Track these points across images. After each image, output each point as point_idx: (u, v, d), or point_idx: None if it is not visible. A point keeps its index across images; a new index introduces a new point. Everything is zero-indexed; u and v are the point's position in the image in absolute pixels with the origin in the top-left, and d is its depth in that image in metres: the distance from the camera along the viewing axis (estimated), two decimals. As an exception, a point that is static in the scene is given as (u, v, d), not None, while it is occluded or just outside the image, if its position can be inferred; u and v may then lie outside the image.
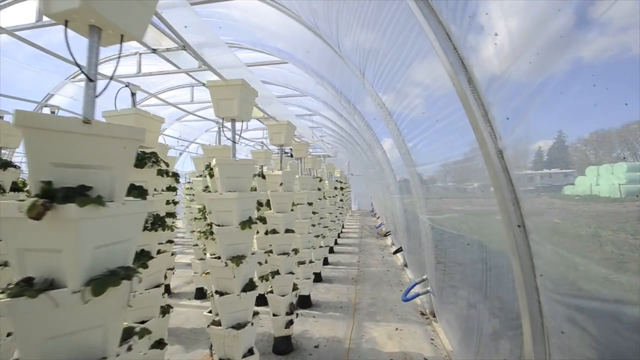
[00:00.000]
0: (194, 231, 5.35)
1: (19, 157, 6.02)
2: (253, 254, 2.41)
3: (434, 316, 4.19)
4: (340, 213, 11.17)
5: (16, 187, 2.66)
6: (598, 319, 1.23)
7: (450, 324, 3.28)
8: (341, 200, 11.11)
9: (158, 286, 2.33)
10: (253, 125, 9.16)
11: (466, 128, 1.78)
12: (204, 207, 3.69)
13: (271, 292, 3.47)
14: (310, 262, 4.93)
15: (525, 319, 1.62)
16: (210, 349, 2.86)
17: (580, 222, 1.25)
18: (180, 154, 11.83)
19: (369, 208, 22.00)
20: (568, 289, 1.35)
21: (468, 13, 1.53)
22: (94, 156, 0.91)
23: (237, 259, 2.17)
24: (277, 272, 3.45)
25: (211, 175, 2.68)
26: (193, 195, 6.83)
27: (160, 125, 2.34)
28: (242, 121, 2.32)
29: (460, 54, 1.62)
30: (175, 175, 5.18)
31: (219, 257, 2.33)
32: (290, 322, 3.42)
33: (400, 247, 7.23)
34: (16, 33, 3.43)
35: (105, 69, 5.48)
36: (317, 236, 5.91)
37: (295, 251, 3.70)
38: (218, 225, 2.25)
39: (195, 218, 4.78)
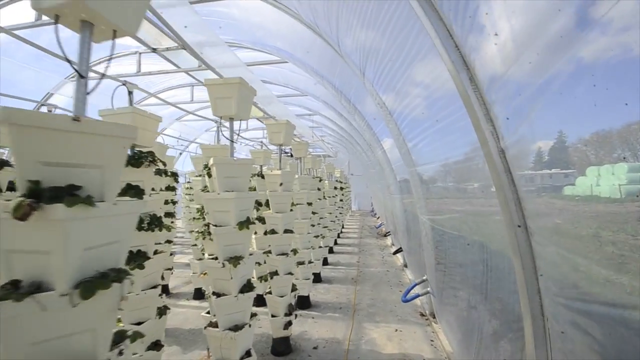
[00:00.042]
0: (192, 231, 5.33)
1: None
2: (251, 254, 2.39)
3: (434, 317, 4.16)
4: (340, 213, 11.15)
5: (13, 187, 2.64)
6: (601, 322, 1.21)
7: (450, 325, 3.26)
8: (341, 200, 11.08)
9: (155, 287, 2.31)
10: (253, 125, 9.14)
11: (467, 128, 1.76)
12: (203, 207, 3.67)
13: (270, 292, 3.44)
14: (310, 262, 4.90)
15: (527, 321, 1.60)
16: (208, 350, 2.84)
17: (582, 222, 1.24)
18: (180, 153, 11.81)
19: (369, 208, 21.98)
20: (571, 291, 1.33)
21: (469, 13, 1.51)
22: (83, 155, 0.88)
23: (235, 260, 2.14)
24: (275, 273, 3.43)
25: (209, 175, 2.66)
26: (192, 195, 6.80)
27: (157, 124, 2.32)
28: (241, 120, 2.29)
29: (461, 51, 1.60)
30: (174, 175, 5.17)
31: (216, 258, 2.30)
32: (289, 323, 3.39)
33: (400, 248, 7.21)
34: (16, 32, 3.41)
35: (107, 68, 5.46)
36: (317, 236, 5.89)
37: (294, 252, 3.67)
38: (215, 226, 2.22)
39: (194, 218, 4.76)
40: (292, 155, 5.85)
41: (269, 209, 3.67)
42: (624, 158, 0.98)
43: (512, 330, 1.89)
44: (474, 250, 2.40)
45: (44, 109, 5.05)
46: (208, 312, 2.79)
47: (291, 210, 3.67)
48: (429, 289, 3.92)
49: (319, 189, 6.23)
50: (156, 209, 2.32)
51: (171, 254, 5.25)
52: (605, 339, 1.18)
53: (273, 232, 3.52)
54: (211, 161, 2.18)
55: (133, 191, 2.01)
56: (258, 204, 4.05)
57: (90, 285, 0.84)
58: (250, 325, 2.29)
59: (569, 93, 1.10)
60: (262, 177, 4.12)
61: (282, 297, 3.37)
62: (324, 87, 5.37)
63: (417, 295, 4.03)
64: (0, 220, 0.79)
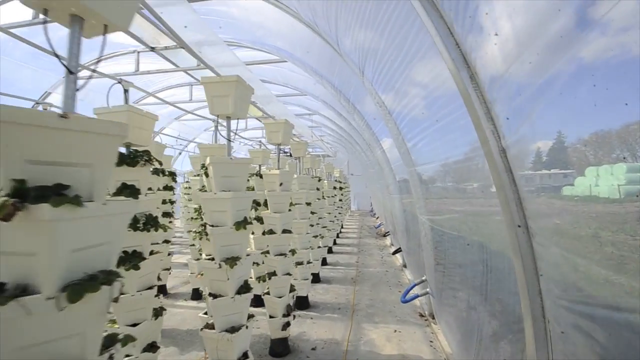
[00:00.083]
0: (190, 231, 5.30)
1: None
2: (248, 255, 2.36)
3: (433, 318, 4.14)
4: (340, 213, 11.12)
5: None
6: (604, 324, 1.19)
7: (449, 326, 3.23)
8: (340, 200, 11.06)
9: (151, 288, 2.28)
10: (252, 124, 9.11)
11: (467, 127, 1.74)
12: (200, 206, 3.64)
13: (268, 293, 3.41)
14: (309, 262, 4.87)
15: (528, 323, 1.58)
16: (206, 351, 2.81)
17: (583, 223, 1.23)
18: (180, 153, 11.77)
19: (369, 208, 21.96)
20: (573, 293, 1.31)
21: (469, 13, 1.49)
22: (72, 153, 0.85)
23: (232, 261, 2.11)
24: (273, 273, 3.40)
25: (207, 175, 2.63)
26: (191, 194, 6.77)
27: (153, 123, 2.29)
28: (238, 119, 2.27)
29: (462, 49, 1.57)
30: (172, 175, 5.14)
31: (213, 259, 2.27)
32: (287, 324, 3.36)
33: (400, 248, 7.19)
34: (13, 31, 3.37)
35: (104, 67, 5.43)
36: (316, 236, 5.86)
37: (293, 252, 3.64)
38: (212, 226, 2.19)
39: (192, 218, 4.73)
40: (291, 155, 5.82)
41: (268, 209, 3.64)
42: (624, 158, 0.98)
43: (512, 331, 1.87)
44: (473, 251, 2.38)
45: (39, 108, 5.02)
46: (206, 313, 2.76)
47: (289, 210, 3.64)
48: (428, 289, 3.89)
49: (318, 189, 6.21)
50: (152, 208, 2.29)
51: (169, 254, 5.22)
52: (608, 342, 1.16)
53: (271, 232, 3.49)
54: (208, 160, 2.15)
55: (128, 191, 1.99)
56: (257, 203, 4.02)
57: (77, 288, 0.81)
58: (247, 327, 2.26)
59: (569, 93, 1.10)
60: (261, 176, 4.09)
61: (280, 297, 3.34)
62: (323, 86, 5.34)
63: (417, 296, 4.01)
64: (-16, 221, 0.76)
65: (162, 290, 5.16)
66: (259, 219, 3.76)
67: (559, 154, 1.24)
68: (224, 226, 2.19)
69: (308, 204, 4.80)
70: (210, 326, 2.26)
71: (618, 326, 1.14)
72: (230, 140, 2.26)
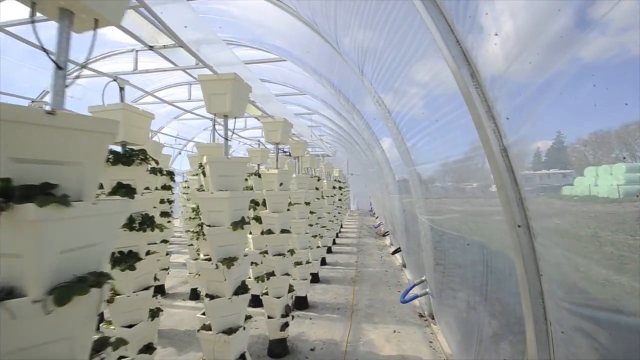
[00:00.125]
0: (189, 231, 5.27)
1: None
2: (245, 255, 2.33)
3: (433, 318, 4.12)
4: (339, 213, 11.10)
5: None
6: (607, 326, 1.17)
7: (449, 326, 3.21)
8: (340, 199, 11.04)
9: (147, 288, 2.25)
10: (251, 123, 9.08)
11: (467, 126, 1.73)
12: (198, 206, 3.61)
13: (266, 293, 3.39)
14: (308, 262, 4.85)
15: (529, 324, 1.55)
16: (203, 352, 2.78)
17: (584, 223, 1.22)
18: (180, 152, 11.74)
19: (368, 208, 21.94)
20: (576, 294, 1.28)
21: (469, 13, 1.48)
22: (59, 151, 0.82)
23: (229, 261, 2.09)
24: (272, 274, 3.37)
25: (204, 174, 2.60)
26: (189, 194, 6.74)
27: (149, 122, 2.26)
28: (235, 117, 2.24)
29: (462, 47, 1.54)
30: (170, 174, 5.11)
31: (210, 259, 2.24)
32: (286, 325, 3.34)
33: (399, 248, 7.16)
34: (11, 29, 3.34)
35: (102, 66, 5.40)
36: (315, 236, 5.83)
37: (291, 252, 3.61)
38: (209, 226, 2.16)
39: (190, 217, 4.70)
40: (290, 155, 5.79)
41: (266, 209, 3.61)
42: (624, 158, 0.98)
43: (512, 332, 1.85)
44: (473, 251, 2.36)
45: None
46: (204, 314, 2.74)
47: (288, 210, 3.62)
48: (427, 289, 3.87)
49: (317, 189, 6.18)
50: (149, 208, 2.26)
51: (167, 254, 5.19)
52: (612, 344, 1.14)
53: (270, 232, 3.46)
54: (204, 159, 2.12)
55: (124, 190, 1.96)
56: (255, 203, 3.99)
57: (65, 291, 0.78)
58: (244, 328, 2.23)
59: (569, 93, 1.09)
60: (259, 176, 4.06)
61: (278, 298, 3.31)
62: (323, 85, 5.31)
63: (416, 296, 3.99)
64: (-32, 221, 0.73)
65: (161, 290, 5.14)
66: (258, 219, 3.73)
67: (559, 153, 1.24)
68: (221, 226, 2.17)
69: (307, 203, 4.77)
70: (207, 327, 2.23)
71: (622, 328, 1.12)
72: (227, 139, 2.23)
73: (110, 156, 1.97)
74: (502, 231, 1.62)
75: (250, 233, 3.91)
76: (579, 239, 1.21)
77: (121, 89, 2.14)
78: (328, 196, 8.17)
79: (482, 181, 2.08)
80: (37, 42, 0.87)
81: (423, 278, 3.98)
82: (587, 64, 1.01)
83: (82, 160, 0.87)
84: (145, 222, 2.11)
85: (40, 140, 0.79)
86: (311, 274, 5.36)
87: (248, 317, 2.37)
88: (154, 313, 2.35)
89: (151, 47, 3.87)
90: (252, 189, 4.19)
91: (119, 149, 2.09)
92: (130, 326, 2.14)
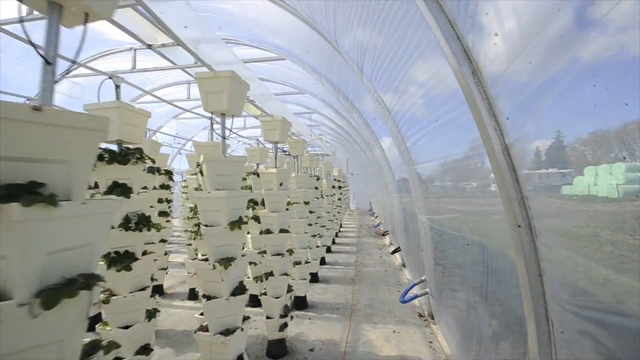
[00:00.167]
0: (187, 230, 5.25)
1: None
2: (243, 255, 2.30)
3: (433, 318, 4.10)
4: (339, 212, 11.08)
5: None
6: (612, 328, 1.14)
7: (449, 326, 3.19)
8: (339, 199, 11.02)
9: (144, 289, 2.22)
10: (251, 123, 9.05)
11: (468, 125, 1.71)
12: (196, 205, 3.58)
13: (265, 293, 3.36)
14: (307, 262, 4.82)
15: (531, 325, 1.53)
16: (201, 353, 2.76)
17: (587, 223, 1.21)
18: (179, 152, 11.71)
19: (368, 207, 21.92)
20: (579, 295, 1.26)
21: (469, 13, 1.47)
22: (47, 148, 0.79)
23: (226, 262, 2.06)
24: (271, 274, 3.35)
25: (202, 173, 2.57)
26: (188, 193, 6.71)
27: (146, 120, 2.23)
28: (233, 116, 2.21)
29: (464, 43, 1.51)
30: (169, 173, 5.08)
31: (207, 259, 2.21)
32: (285, 325, 3.31)
33: (399, 247, 7.14)
34: (7, 28, 3.30)
35: (100, 64, 5.36)
36: (314, 235, 5.81)
37: (290, 252, 3.59)
38: (206, 225, 2.13)
39: (188, 217, 4.67)
40: (289, 154, 5.76)
41: (265, 208, 3.59)
42: (624, 158, 0.98)
43: (513, 333, 1.83)
44: (474, 251, 2.34)
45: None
46: (202, 314, 2.71)
47: (287, 209, 3.59)
48: (427, 289, 3.85)
49: (316, 188, 6.15)
50: (145, 207, 2.23)
51: (166, 253, 5.16)
52: (616, 346, 1.11)
53: (268, 231, 3.44)
54: (201, 158, 2.09)
55: (119, 189, 1.94)
56: (254, 202, 3.96)
57: (53, 294, 0.75)
58: (242, 329, 2.20)
59: (569, 93, 1.10)
60: (258, 175, 4.03)
61: (277, 298, 3.29)
62: (322, 84, 5.29)
63: (416, 296, 3.96)
64: (-50, 221, 0.70)
65: (159, 290, 5.11)
66: (256, 218, 3.71)
67: (562, 152, 1.24)
68: (219, 226, 2.14)
69: (306, 203, 4.75)
70: (205, 328, 2.20)
71: (626, 329, 1.10)
72: (225, 138, 2.20)
73: (106, 155, 1.94)
74: (503, 231, 1.60)
75: (248, 233, 3.88)
76: (581, 238, 1.20)
77: (117, 86, 2.11)
78: (327, 195, 8.15)
79: (483, 180, 2.06)
80: (25, 35, 0.84)
81: (423, 278, 3.96)
82: (587, 63, 1.01)
83: (71, 158, 0.84)
84: (142, 222, 2.09)
85: (26, 137, 0.77)
86: (310, 273, 5.34)
87: (246, 318, 2.34)
88: (151, 314, 2.32)
89: (149, 46, 3.84)
90: (250, 188, 4.17)
91: (114, 147, 2.06)
92: (126, 327, 2.11)
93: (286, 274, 3.44)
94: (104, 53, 5.51)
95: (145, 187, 3.60)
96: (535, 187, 1.38)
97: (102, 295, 2.03)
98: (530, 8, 1.19)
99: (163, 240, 4.98)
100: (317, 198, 6.20)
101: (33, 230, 0.74)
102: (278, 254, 3.42)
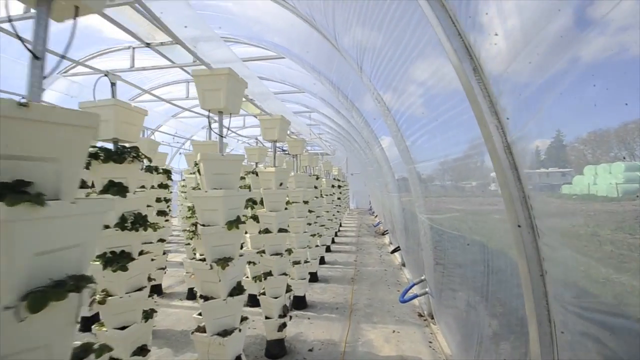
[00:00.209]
0: (186, 230, 5.22)
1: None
2: (241, 255, 2.28)
3: (433, 318, 4.08)
4: (338, 211, 11.07)
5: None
6: (615, 329, 1.12)
7: (449, 326, 3.17)
8: (339, 198, 11.00)
9: (140, 289, 2.19)
10: (250, 122, 9.02)
11: (468, 123, 1.69)
12: (194, 205, 3.55)
13: (264, 293, 3.34)
14: (306, 261, 4.80)
15: (532, 326, 1.51)
16: (199, 353, 2.73)
17: (590, 222, 1.19)
18: (178, 151, 11.67)
19: (367, 206, 21.91)
20: (583, 296, 1.24)
21: (469, 13, 1.45)
22: (34, 145, 0.76)
23: (223, 262, 2.03)
24: (269, 273, 3.32)
25: (200, 172, 2.54)
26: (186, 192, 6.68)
27: (142, 118, 2.20)
28: (230, 114, 2.18)
29: (465, 39, 1.49)
30: (167, 172, 5.05)
31: (205, 259, 2.19)
32: (284, 325, 3.29)
33: (398, 246, 7.12)
34: (5, 26, 3.27)
35: (98, 63, 5.33)
36: (314, 235, 5.78)
37: (289, 251, 3.56)
38: (203, 225, 2.11)
39: (187, 217, 4.65)
40: (288, 153, 5.74)
41: (264, 207, 3.56)
42: (623, 158, 0.98)
43: (514, 334, 1.81)
44: (474, 251, 2.32)
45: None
46: (200, 314, 2.69)
47: (286, 208, 3.56)
48: (427, 289, 3.82)
49: (316, 187, 6.13)
50: (142, 207, 2.21)
51: (164, 253, 5.13)
52: (622, 349, 1.09)
53: (267, 231, 3.41)
54: (198, 157, 2.06)
55: (115, 188, 1.91)
56: (253, 202, 3.94)
57: (40, 297, 0.73)
58: (240, 330, 2.18)
59: (569, 93, 1.09)
60: (257, 174, 4.00)
61: (276, 298, 3.26)
62: (322, 83, 5.26)
63: (415, 296, 3.94)
64: None
65: (157, 289, 5.08)
66: (255, 218, 3.68)
67: (562, 151, 1.23)
68: (216, 225, 2.11)
69: (305, 202, 4.72)
70: (202, 329, 2.18)
71: (629, 330, 1.08)
72: (222, 136, 2.18)
73: (101, 153, 1.91)
74: (504, 230, 1.58)
75: (246, 233, 3.85)
76: (581, 237, 1.19)
77: (112, 84, 2.08)
78: (327, 195, 8.13)
79: (484, 179, 2.04)
80: (12, 29, 0.81)
81: (422, 277, 3.93)
82: (587, 63, 1.01)
83: (59, 156, 0.81)
84: (138, 222, 2.06)
85: (13, 134, 0.74)
86: (310, 273, 5.32)
87: (244, 319, 2.32)
88: (148, 314, 2.30)
89: (148, 44, 3.80)
90: (249, 187, 4.14)
91: (110, 146, 2.04)
92: (123, 328, 2.09)
93: (285, 274, 3.42)
94: (102, 52, 5.48)
95: (143, 186, 3.57)
96: (535, 186, 1.36)
97: (98, 295, 2.01)
98: (530, 8, 1.19)
99: (162, 240, 4.95)
100: (316, 197, 6.17)
101: (19, 231, 0.71)
102: (277, 254, 3.40)
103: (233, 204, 2.18)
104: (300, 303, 4.61)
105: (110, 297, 2.03)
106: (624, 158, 0.97)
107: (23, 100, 0.77)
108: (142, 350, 2.18)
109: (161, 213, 5.05)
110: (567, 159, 1.22)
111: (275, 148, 3.48)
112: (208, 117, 2.11)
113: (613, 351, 1.12)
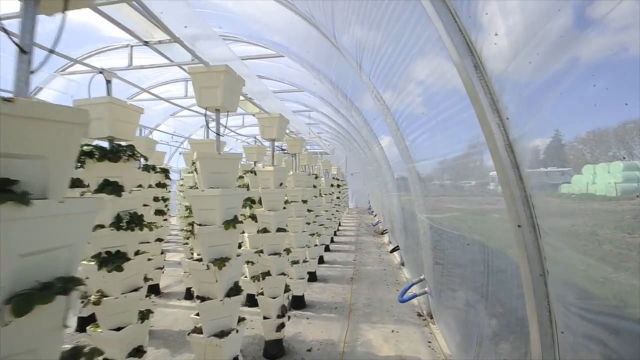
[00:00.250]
0: (183, 229, 5.19)
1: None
2: (238, 255, 2.25)
3: (432, 318, 4.06)
4: (337, 211, 11.05)
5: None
6: (619, 331, 1.10)
7: (448, 326, 3.15)
8: (338, 197, 10.98)
9: (136, 290, 2.17)
10: (249, 121, 8.98)
11: (468, 121, 1.67)
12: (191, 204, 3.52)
13: (262, 293, 3.31)
14: (305, 261, 4.77)
15: (533, 327, 1.49)
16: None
17: (590, 222, 1.17)
18: (177, 150, 11.63)
19: (367, 206, 21.90)
20: (585, 297, 1.22)
21: (469, 13, 1.44)
22: (20, 143, 0.74)
23: (220, 262, 2.00)
24: (268, 273, 3.29)
25: (197, 171, 2.51)
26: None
27: (138, 116, 2.17)
28: (228, 112, 2.15)
29: (466, 36, 1.46)
30: (165, 171, 5.02)
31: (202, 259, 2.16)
32: (282, 325, 3.27)
33: (397, 246, 7.11)
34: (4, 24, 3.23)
35: (96, 61, 5.28)
36: (313, 234, 5.76)
37: (288, 251, 3.53)
38: (200, 225, 2.08)
39: (185, 216, 4.62)
40: (287, 152, 5.71)
41: (262, 207, 3.53)
42: (624, 158, 0.98)
43: (514, 334, 1.80)
44: (474, 250, 2.30)
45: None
46: (198, 314, 2.66)
47: (284, 208, 3.53)
48: (426, 289, 3.81)
49: (314, 186, 6.10)
50: (138, 206, 2.18)
51: (162, 253, 5.10)
52: (626, 351, 1.07)
53: (265, 230, 3.38)
54: (195, 155, 2.03)
55: (111, 187, 1.88)
56: (251, 201, 3.91)
57: (25, 300, 0.70)
58: (237, 331, 2.15)
59: (569, 93, 1.09)
60: (255, 173, 3.97)
61: (274, 298, 3.24)
62: (321, 81, 5.23)
63: (415, 296, 3.93)
64: None
65: (155, 289, 5.05)
66: (254, 217, 3.65)
67: (561, 151, 1.23)
68: (213, 225, 2.08)
69: (304, 201, 4.69)
70: (199, 330, 2.15)
71: (632, 331, 1.06)
72: (219, 135, 2.15)
73: (96, 152, 1.88)
74: (504, 230, 1.56)
75: (243, 232, 3.83)
76: (582, 237, 1.18)
77: (108, 81, 2.05)
78: (326, 194, 8.10)
79: (484, 178, 2.01)
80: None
81: (422, 277, 3.92)
82: (587, 63, 1.01)
83: (47, 153, 0.78)
84: (134, 221, 2.03)
85: (-3, 130, 0.71)
86: (308, 272, 5.30)
87: (241, 319, 2.29)
88: (144, 315, 2.27)
89: (146, 43, 3.77)
90: (248, 186, 4.11)
91: (105, 144, 2.01)
92: (119, 329, 2.06)
93: (284, 274, 3.39)
94: (99, 50, 5.43)
95: (140, 186, 3.54)
96: (535, 185, 1.35)
97: (93, 296, 1.98)
98: (530, 8, 1.18)
99: (159, 239, 4.92)
100: (315, 196, 6.15)
101: (3, 231, 0.68)
102: (275, 253, 3.37)
103: (230, 203, 2.15)
104: (298, 303, 4.58)
105: (105, 298, 2.00)
106: (623, 157, 0.97)
107: (9, 96, 0.74)
108: (138, 351, 2.16)
109: (159, 212, 5.02)
110: (566, 158, 1.22)
111: (273, 147, 3.45)
112: (205, 115, 2.08)
113: (615, 352, 1.10)
